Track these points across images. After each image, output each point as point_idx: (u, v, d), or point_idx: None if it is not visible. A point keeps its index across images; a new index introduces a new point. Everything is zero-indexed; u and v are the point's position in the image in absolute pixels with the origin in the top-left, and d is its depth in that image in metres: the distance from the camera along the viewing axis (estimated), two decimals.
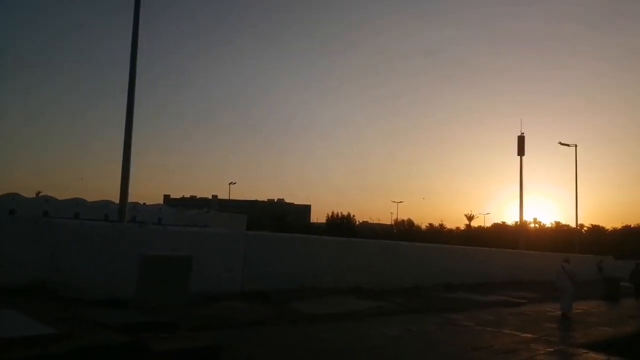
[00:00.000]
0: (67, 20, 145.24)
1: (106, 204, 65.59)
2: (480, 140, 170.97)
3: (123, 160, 13.26)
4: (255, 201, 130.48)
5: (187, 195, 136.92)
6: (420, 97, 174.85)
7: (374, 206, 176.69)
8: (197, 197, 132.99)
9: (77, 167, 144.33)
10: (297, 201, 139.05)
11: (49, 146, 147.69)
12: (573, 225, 43.33)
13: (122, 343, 5.11)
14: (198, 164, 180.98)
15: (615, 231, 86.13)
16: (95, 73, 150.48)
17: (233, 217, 66.15)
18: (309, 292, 14.58)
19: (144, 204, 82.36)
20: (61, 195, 79.56)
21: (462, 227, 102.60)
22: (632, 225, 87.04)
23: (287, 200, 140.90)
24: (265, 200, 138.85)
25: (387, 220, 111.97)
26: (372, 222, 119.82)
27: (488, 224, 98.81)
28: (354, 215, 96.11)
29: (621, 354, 9.15)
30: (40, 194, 73.52)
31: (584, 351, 9.24)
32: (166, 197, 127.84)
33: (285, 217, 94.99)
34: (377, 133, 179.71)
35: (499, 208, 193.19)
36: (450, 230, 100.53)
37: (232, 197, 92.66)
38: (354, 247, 18.56)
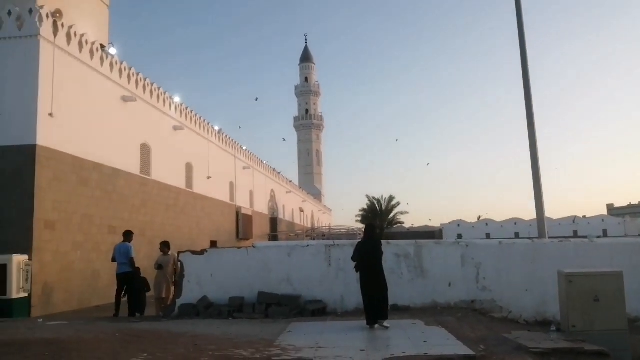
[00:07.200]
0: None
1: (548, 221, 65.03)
2: None
3: (533, 174, 12.66)
4: None
5: (635, 201, 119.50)
6: None
7: None
8: None
9: (513, 190, 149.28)
10: None
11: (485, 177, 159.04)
12: None
13: None
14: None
15: None
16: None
17: None
18: None
19: (584, 216, 77.13)
20: (499, 217, 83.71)
21: None
22: None
23: None
24: None
25: None
26: None
27: None
28: None
29: None
30: (480, 218, 79.75)
31: None
32: (609, 207, 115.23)
33: None
34: None
35: None
36: None
37: None
38: None
